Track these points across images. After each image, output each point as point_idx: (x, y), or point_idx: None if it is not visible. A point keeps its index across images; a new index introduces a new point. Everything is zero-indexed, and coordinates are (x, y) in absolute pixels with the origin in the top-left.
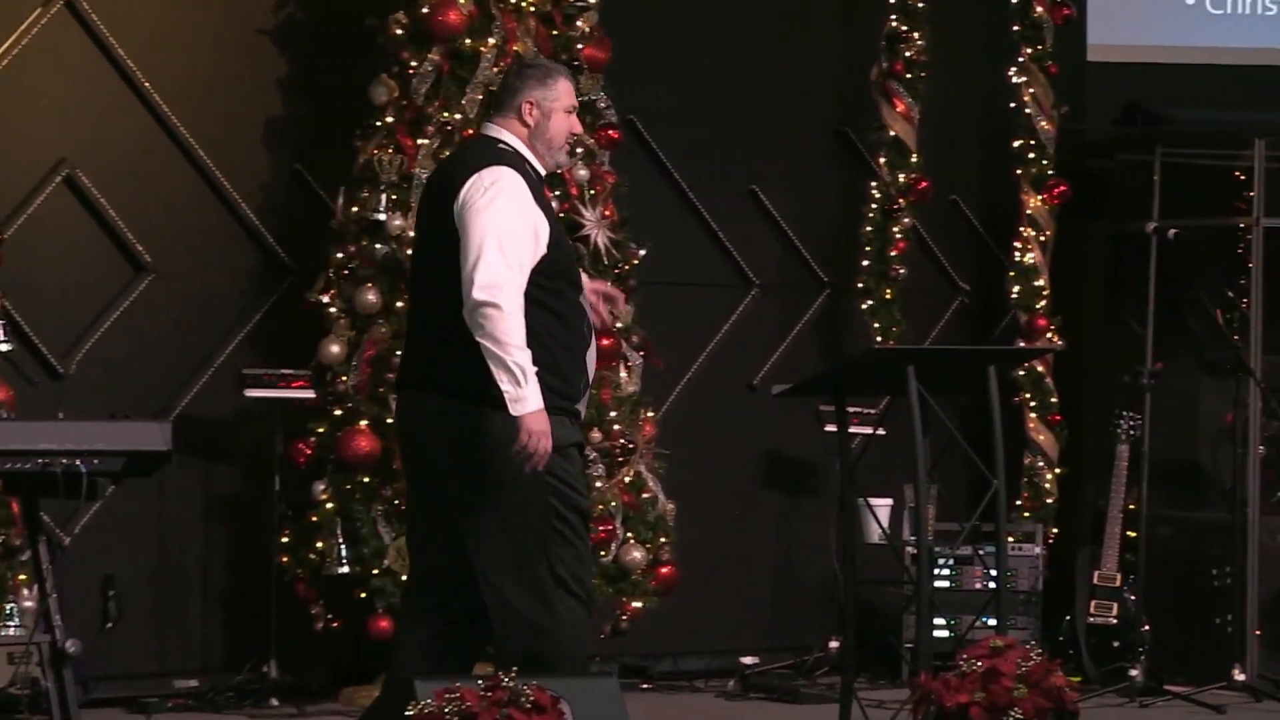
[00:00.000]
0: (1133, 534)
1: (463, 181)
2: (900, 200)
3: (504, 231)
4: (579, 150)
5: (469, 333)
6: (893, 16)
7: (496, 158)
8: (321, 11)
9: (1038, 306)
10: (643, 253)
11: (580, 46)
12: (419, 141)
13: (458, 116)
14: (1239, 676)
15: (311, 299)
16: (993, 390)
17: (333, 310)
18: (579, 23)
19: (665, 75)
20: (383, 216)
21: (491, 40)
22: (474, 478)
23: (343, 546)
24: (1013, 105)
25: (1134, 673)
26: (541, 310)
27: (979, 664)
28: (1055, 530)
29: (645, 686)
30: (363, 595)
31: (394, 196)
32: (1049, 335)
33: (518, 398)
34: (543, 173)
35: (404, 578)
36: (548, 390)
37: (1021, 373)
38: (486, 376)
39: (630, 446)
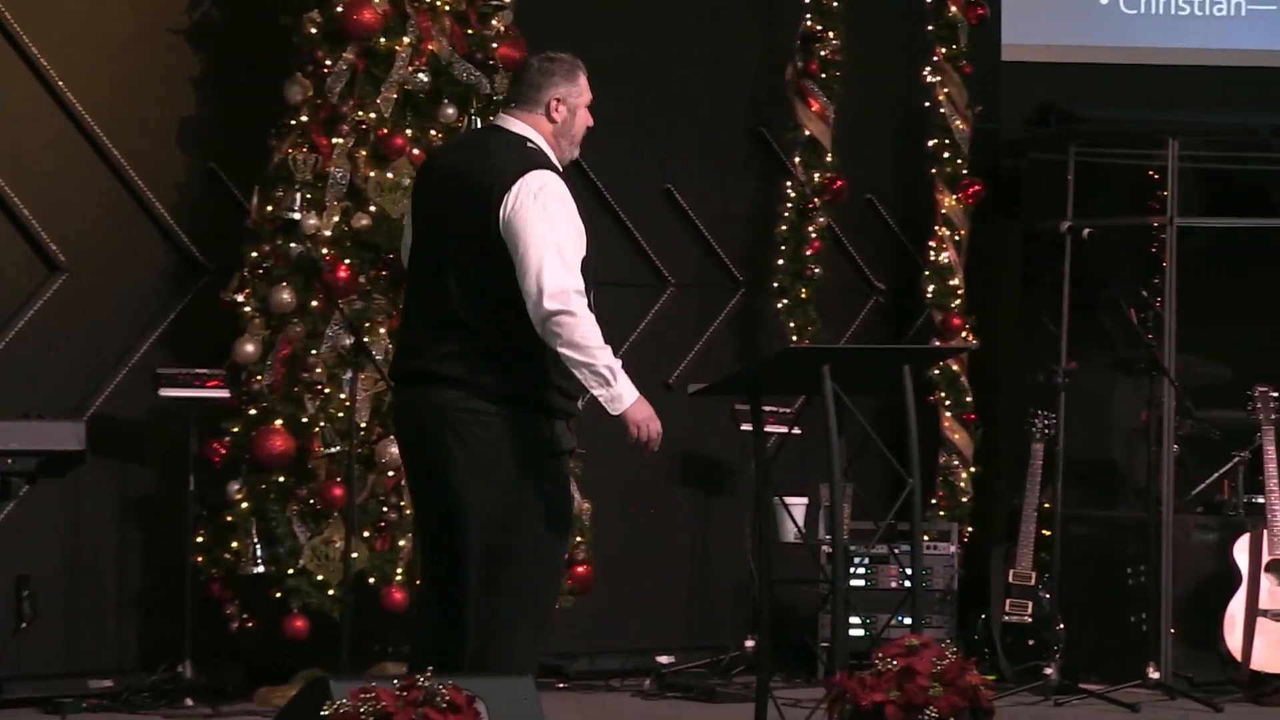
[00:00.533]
0: (1047, 533)
1: (503, 186)
2: (815, 199)
3: (562, 239)
4: None
5: (501, 333)
6: (808, 16)
7: (532, 160)
8: (236, 10)
9: (953, 306)
10: None
11: (495, 46)
12: (334, 140)
13: (372, 115)
14: (1153, 675)
15: (226, 298)
16: (908, 389)
17: (247, 309)
18: (494, 22)
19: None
20: (297, 215)
21: (406, 39)
22: (486, 478)
23: (258, 546)
24: (927, 105)
25: (1049, 671)
26: None
27: (894, 663)
28: (970, 529)
29: (561, 686)
30: (278, 595)
31: (309, 196)
32: (964, 334)
33: (613, 397)
34: (559, 168)
35: (320, 577)
36: (555, 392)
37: (936, 372)
38: (512, 379)
39: None
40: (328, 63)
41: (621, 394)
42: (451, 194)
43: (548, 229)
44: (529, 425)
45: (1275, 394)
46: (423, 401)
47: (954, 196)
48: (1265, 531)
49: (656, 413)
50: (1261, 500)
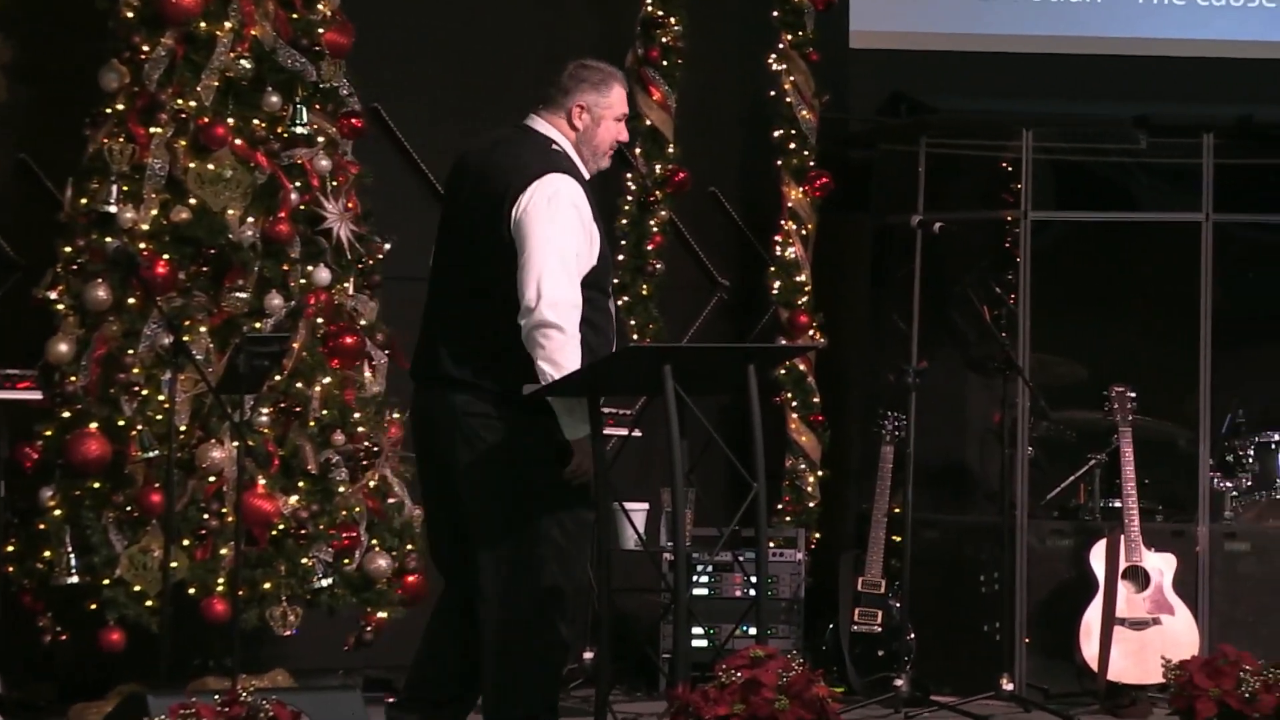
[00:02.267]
0: (898, 539)
1: (519, 186)
2: (657, 192)
3: (567, 248)
4: (320, 140)
5: (507, 334)
6: (648, 1)
7: (554, 163)
8: None
9: (799, 303)
10: (388, 246)
11: (321, 31)
12: (152, 130)
13: (192, 104)
14: (1007, 686)
15: (39, 295)
16: (752, 390)
17: (61, 307)
18: (320, 6)
19: (411, 61)
20: (114, 209)
21: (228, 24)
22: (492, 481)
23: (72, 555)
24: (773, 94)
25: (899, 683)
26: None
27: (739, 675)
28: (818, 535)
29: (391, 701)
30: (93, 607)
31: (125, 188)
32: (811, 332)
33: (575, 424)
34: (586, 176)
35: (137, 587)
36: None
37: (783, 371)
38: (520, 381)
39: (375, 450)
40: (145, 48)
41: (581, 422)
42: (472, 192)
43: (555, 234)
44: (536, 428)
45: (1132, 394)
46: (436, 404)
47: (801, 189)
48: (1122, 537)
49: None
50: (1118, 504)
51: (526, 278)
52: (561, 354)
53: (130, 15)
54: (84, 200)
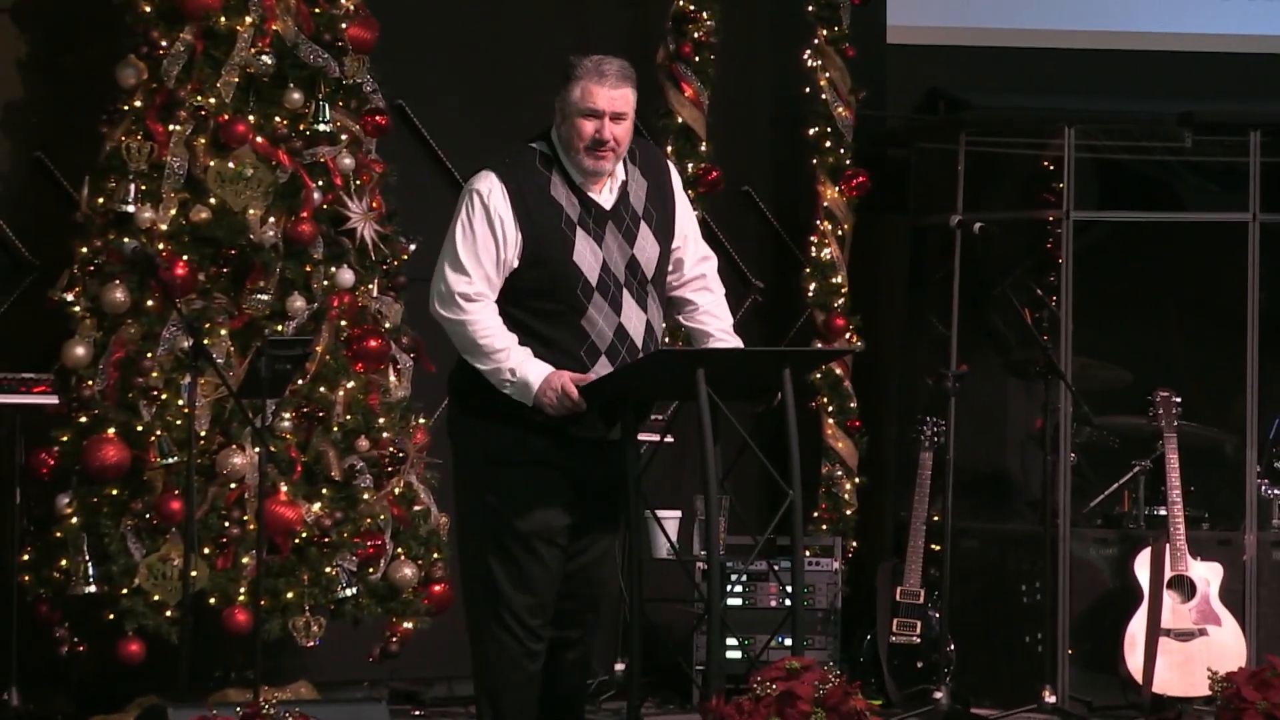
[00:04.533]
0: (937, 547)
1: None
2: (689, 191)
3: (460, 242)
4: (344, 138)
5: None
6: None
7: (498, 161)
8: None
9: (835, 305)
10: (413, 247)
11: (344, 26)
12: (170, 128)
13: (212, 101)
14: (1049, 699)
15: (55, 297)
16: (788, 395)
17: (77, 309)
18: (342, 0)
19: (436, 57)
20: (131, 208)
21: (248, 19)
22: (455, 488)
23: (89, 564)
24: (808, 90)
25: (939, 695)
26: (517, 330)
27: (774, 687)
28: (855, 544)
29: (418, 714)
30: (111, 617)
31: (144, 187)
32: (848, 336)
33: (518, 394)
34: (576, 179)
35: (156, 597)
36: (505, 400)
37: (819, 376)
38: (466, 381)
39: (400, 455)
40: (163, 44)
41: (525, 384)
42: None
43: (453, 228)
44: (470, 430)
45: (1177, 399)
46: None
47: (837, 188)
48: (1167, 545)
49: None
50: (1163, 512)
51: None
52: (463, 342)
53: (148, 10)
54: (101, 200)
